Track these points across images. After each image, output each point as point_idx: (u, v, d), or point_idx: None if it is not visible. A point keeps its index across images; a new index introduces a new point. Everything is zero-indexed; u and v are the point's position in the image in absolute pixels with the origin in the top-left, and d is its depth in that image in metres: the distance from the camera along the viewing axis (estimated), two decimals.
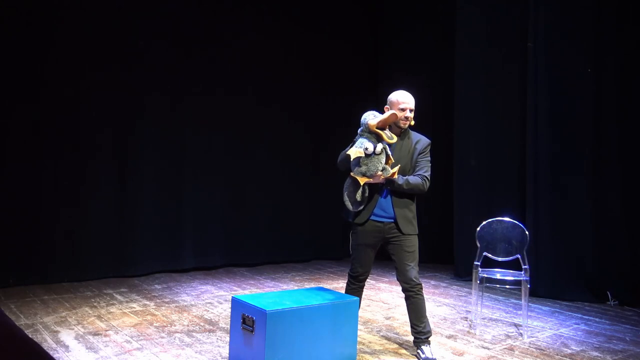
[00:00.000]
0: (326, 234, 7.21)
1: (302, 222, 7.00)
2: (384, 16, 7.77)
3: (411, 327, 3.34)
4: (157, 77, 5.82)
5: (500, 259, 4.14)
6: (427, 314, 3.44)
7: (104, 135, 5.51)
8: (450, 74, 6.47)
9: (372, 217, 3.30)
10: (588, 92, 5.23)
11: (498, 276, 4.00)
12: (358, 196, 3.13)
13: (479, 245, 4.16)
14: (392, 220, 3.27)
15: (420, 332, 3.30)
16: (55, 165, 5.23)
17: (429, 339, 3.33)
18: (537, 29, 5.45)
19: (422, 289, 3.31)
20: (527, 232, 4.11)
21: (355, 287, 3.47)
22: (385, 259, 3.59)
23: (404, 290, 3.33)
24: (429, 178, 3.28)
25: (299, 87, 6.99)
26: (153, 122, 5.81)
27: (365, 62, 7.71)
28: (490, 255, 4.17)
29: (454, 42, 6.40)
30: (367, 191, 3.18)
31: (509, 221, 4.19)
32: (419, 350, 3.31)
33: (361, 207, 3.20)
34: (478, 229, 4.20)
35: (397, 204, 3.26)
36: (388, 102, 3.35)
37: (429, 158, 3.35)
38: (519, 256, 4.05)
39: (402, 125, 3.27)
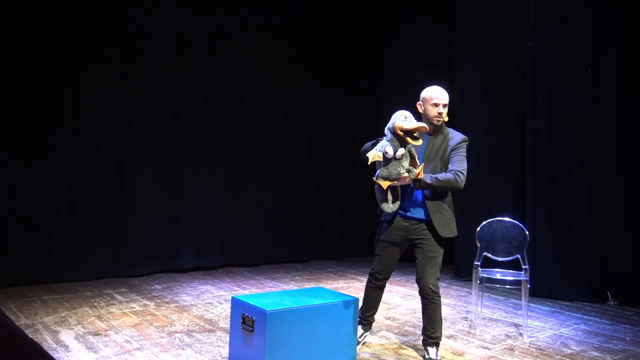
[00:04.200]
0: (326, 234, 7.22)
1: (302, 222, 7.00)
2: (384, 15, 7.77)
3: (423, 327, 3.32)
4: (157, 76, 5.82)
5: (500, 259, 4.14)
6: None
7: (104, 135, 5.51)
8: (450, 74, 6.46)
9: (400, 214, 3.24)
10: (588, 92, 5.23)
11: (498, 276, 4.00)
12: (389, 199, 3.03)
13: (479, 245, 4.16)
14: (423, 221, 3.20)
15: (429, 337, 3.27)
16: (55, 165, 5.23)
17: (438, 342, 3.29)
18: (537, 29, 5.45)
19: (438, 297, 3.20)
20: (527, 232, 4.11)
21: (372, 287, 3.43)
22: None
23: (419, 294, 3.27)
24: (462, 172, 3.09)
25: (299, 86, 6.99)
26: (153, 122, 5.81)
27: (365, 61, 7.71)
28: (490, 255, 4.16)
29: (454, 42, 6.41)
30: (399, 191, 3.08)
31: (509, 221, 4.19)
32: (424, 351, 3.31)
33: (396, 208, 3.09)
34: (478, 229, 4.20)
35: (432, 206, 3.16)
36: (421, 99, 3.26)
37: (464, 153, 3.18)
38: (519, 256, 4.04)
39: (435, 122, 3.18)
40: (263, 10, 6.68)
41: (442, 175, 3.08)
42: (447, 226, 3.19)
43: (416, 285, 3.30)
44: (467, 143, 3.24)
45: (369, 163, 2.98)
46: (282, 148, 6.85)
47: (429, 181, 3.03)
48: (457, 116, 6.25)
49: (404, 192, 3.19)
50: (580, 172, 5.25)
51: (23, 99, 5.08)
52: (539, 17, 5.44)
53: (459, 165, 3.13)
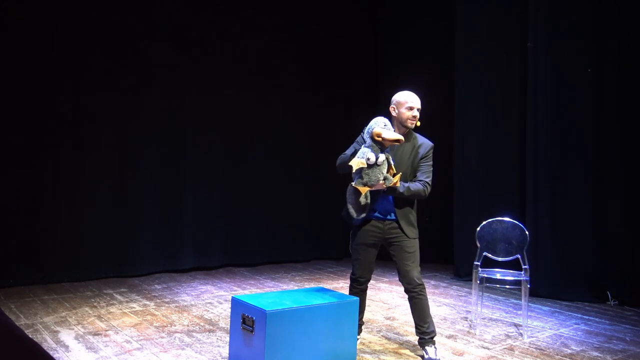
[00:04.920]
0: (326, 234, 7.22)
1: (302, 222, 7.00)
2: (384, 15, 7.77)
3: (415, 327, 3.34)
4: (157, 76, 5.83)
5: (500, 259, 4.14)
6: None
7: (104, 135, 5.51)
8: (450, 74, 6.47)
9: (372, 216, 3.29)
10: (588, 91, 5.23)
11: (498, 276, 4.00)
12: (361, 203, 3.08)
13: (479, 245, 4.16)
14: (393, 220, 3.26)
15: (424, 333, 3.29)
16: (55, 165, 5.23)
17: (434, 338, 3.32)
18: (537, 29, 5.45)
19: (424, 289, 3.30)
20: (527, 232, 4.11)
21: (357, 291, 3.45)
22: (385, 259, 3.58)
23: (406, 291, 3.33)
24: (430, 183, 3.25)
25: (299, 86, 7.00)
26: (153, 122, 5.81)
27: (365, 61, 7.71)
28: (490, 255, 4.17)
29: (454, 42, 6.41)
30: (369, 198, 3.12)
31: (509, 221, 4.19)
32: (423, 351, 3.31)
33: (364, 215, 3.15)
34: (478, 229, 4.20)
35: (402, 209, 3.26)
36: (394, 102, 3.29)
37: (431, 162, 3.32)
38: (519, 256, 4.04)
39: (409, 125, 3.24)
40: (263, 10, 6.68)
41: (413, 186, 3.19)
42: (413, 228, 3.31)
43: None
44: (433, 150, 3.34)
45: (353, 172, 3.04)
46: (282, 147, 6.85)
47: (402, 190, 3.14)
48: (458, 116, 6.27)
49: (377, 195, 3.24)
50: (580, 172, 5.25)
51: (23, 99, 5.08)
52: (539, 17, 5.44)
53: (427, 175, 3.27)
